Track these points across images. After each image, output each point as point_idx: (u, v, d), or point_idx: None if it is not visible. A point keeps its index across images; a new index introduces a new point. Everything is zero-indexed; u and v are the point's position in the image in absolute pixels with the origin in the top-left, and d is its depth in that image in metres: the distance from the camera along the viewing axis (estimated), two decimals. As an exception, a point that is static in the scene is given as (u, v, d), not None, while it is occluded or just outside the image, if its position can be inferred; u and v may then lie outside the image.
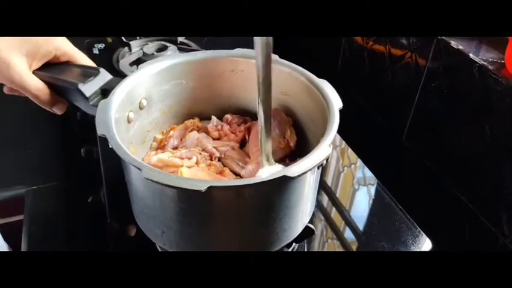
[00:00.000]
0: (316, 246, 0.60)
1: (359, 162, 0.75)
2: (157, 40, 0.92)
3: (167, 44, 0.90)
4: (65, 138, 0.78)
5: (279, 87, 0.57)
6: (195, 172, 0.50)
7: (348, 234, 0.63)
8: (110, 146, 0.44)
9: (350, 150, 0.77)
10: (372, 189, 0.70)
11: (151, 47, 0.89)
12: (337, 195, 0.69)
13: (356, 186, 0.71)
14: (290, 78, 0.55)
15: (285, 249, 0.57)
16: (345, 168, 0.75)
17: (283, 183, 0.43)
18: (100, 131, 0.45)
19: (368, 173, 0.72)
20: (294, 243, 0.58)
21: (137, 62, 0.85)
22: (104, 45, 0.93)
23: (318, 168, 0.46)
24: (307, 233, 0.56)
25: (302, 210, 0.49)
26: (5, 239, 0.72)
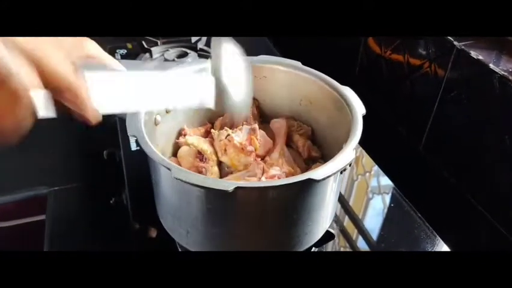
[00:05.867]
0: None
1: (374, 170, 0.75)
2: (178, 47, 0.94)
3: (188, 51, 0.92)
4: (88, 141, 0.79)
5: (302, 94, 0.59)
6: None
7: (366, 242, 0.63)
8: (136, 148, 0.45)
9: (364, 158, 0.77)
10: (387, 198, 0.70)
11: (171, 53, 0.91)
12: (350, 204, 0.70)
13: (370, 195, 0.71)
14: (314, 85, 0.56)
15: (305, 254, 0.57)
16: (359, 176, 0.76)
17: (307, 186, 0.44)
18: (130, 131, 0.46)
19: (383, 182, 0.73)
20: (313, 248, 0.58)
21: (159, 68, 0.87)
22: (125, 51, 0.95)
23: (340, 173, 0.46)
24: (327, 238, 0.57)
25: (324, 214, 0.50)
26: (27, 238, 0.74)
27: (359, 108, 0.50)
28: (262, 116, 0.63)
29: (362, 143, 0.78)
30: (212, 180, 0.45)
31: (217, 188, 0.40)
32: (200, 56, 0.91)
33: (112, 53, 0.94)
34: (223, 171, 0.55)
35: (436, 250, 0.59)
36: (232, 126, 0.59)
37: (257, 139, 0.55)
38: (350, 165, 0.45)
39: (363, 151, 0.78)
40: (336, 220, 0.65)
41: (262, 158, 0.56)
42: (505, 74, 0.58)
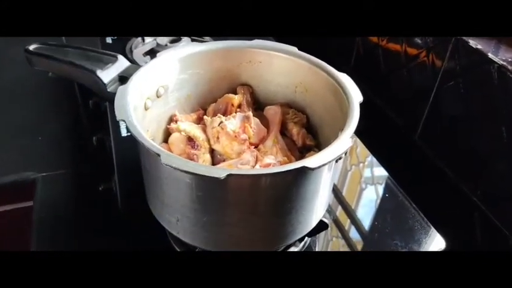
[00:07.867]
0: (328, 244, 0.60)
1: (367, 161, 0.74)
2: (171, 31, 0.92)
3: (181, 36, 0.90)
4: (77, 127, 0.78)
5: (298, 80, 0.57)
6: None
7: (359, 232, 0.62)
8: (126, 134, 0.43)
9: (358, 148, 0.77)
10: (380, 189, 0.70)
11: (164, 38, 0.89)
12: (343, 193, 0.69)
13: (364, 185, 0.71)
14: (310, 71, 0.55)
15: (298, 244, 0.57)
16: (353, 166, 0.75)
17: (302, 174, 0.43)
18: (119, 116, 0.45)
19: (376, 172, 0.72)
20: (306, 238, 0.57)
21: (151, 53, 0.86)
22: (117, 34, 0.93)
23: (336, 161, 0.45)
24: (320, 228, 0.56)
25: (318, 203, 0.49)
26: (14, 225, 0.72)
27: (356, 95, 0.49)
28: (256, 102, 0.61)
29: (357, 132, 0.78)
30: (203, 167, 0.43)
31: (208, 175, 0.39)
32: (193, 40, 0.90)
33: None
34: (216, 158, 0.54)
35: (430, 240, 0.59)
36: (225, 112, 0.58)
37: (251, 127, 0.54)
38: (345, 153, 0.44)
39: (358, 141, 0.77)
40: (329, 210, 0.64)
41: (256, 146, 0.55)
42: (504, 63, 0.57)
